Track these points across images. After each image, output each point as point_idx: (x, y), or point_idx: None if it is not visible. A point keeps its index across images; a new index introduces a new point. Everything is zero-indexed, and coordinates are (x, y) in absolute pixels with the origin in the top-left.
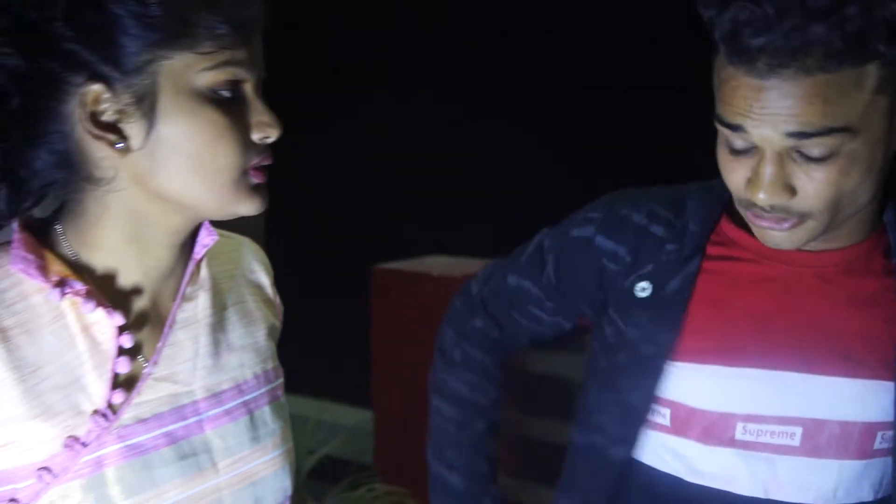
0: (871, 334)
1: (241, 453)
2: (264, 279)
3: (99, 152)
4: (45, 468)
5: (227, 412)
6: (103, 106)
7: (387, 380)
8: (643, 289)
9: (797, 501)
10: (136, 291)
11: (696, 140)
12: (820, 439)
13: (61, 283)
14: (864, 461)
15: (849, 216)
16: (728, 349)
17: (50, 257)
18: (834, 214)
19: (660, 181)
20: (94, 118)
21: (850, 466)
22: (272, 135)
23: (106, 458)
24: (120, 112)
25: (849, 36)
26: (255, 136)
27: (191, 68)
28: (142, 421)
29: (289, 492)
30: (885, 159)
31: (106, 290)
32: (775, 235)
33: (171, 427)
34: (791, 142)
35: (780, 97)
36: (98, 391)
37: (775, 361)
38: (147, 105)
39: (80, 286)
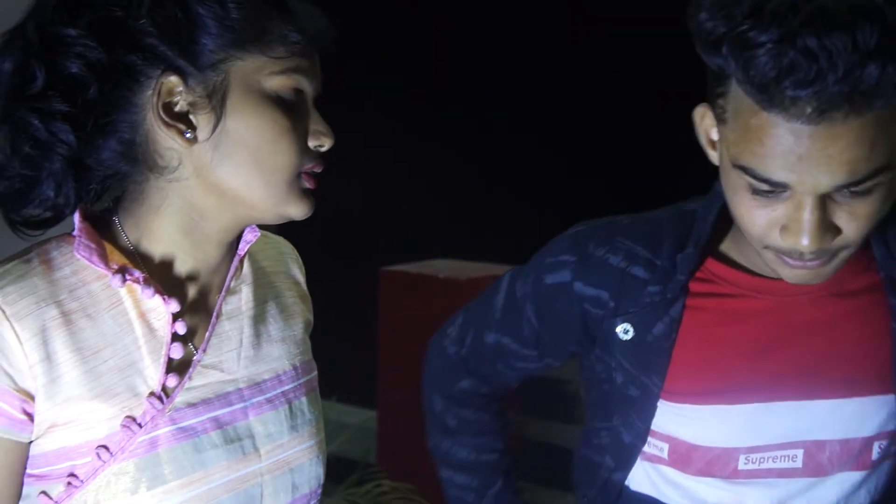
0: (865, 350)
1: (281, 440)
2: (300, 276)
3: (166, 142)
4: (103, 446)
5: (269, 400)
6: (177, 97)
7: (392, 380)
8: (626, 331)
9: None
10: (189, 281)
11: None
12: (821, 458)
13: (122, 271)
14: (864, 472)
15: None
16: (724, 388)
17: (109, 247)
18: (864, 241)
19: (663, 184)
20: (167, 108)
21: (851, 478)
22: (326, 144)
23: (159, 439)
24: (191, 104)
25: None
26: (311, 143)
27: (260, 71)
28: (192, 405)
29: (322, 480)
30: None
31: (161, 279)
32: (807, 276)
33: (218, 412)
34: (840, 190)
35: (829, 144)
36: (153, 375)
37: (774, 393)
38: (217, 100)
39: (139, 274)
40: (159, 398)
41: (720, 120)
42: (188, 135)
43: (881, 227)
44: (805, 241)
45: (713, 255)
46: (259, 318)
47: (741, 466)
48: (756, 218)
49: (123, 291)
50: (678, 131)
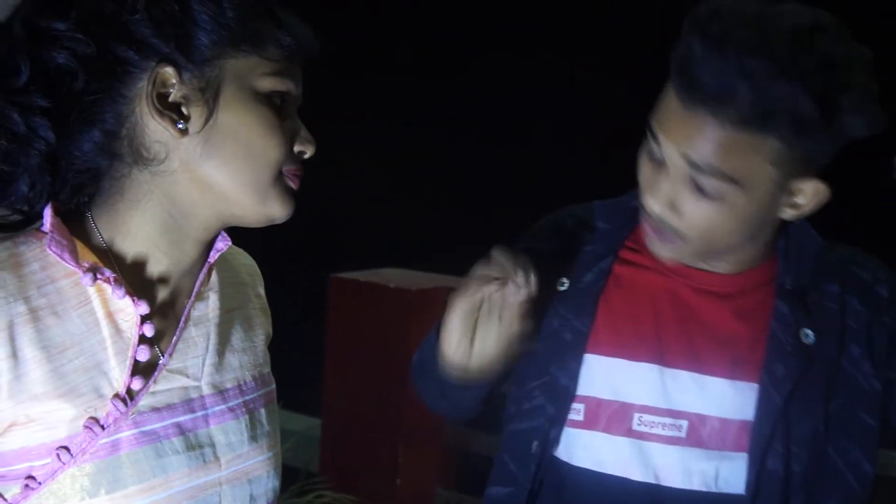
0: (751, 344)
1: (241, 451)
2: (261, 289)
3: (155, 134)
4: (63, 447)
5: (230, 409)
6: (171, 88)
7: (338, 388)
8: (562, 283)
9: (684, 487)
10: (161, 282)
11: None
12: (703, 432)
13: (93, 269)
14: (741, 454)
15: (723, 252)
16: (631, 344)
17: (79, 244)
18: (706, 247)
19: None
20: (161, 98)
21: (729, 458)
22: (309, 150)
23: (121, 443)
24: (185, 96)
25: (762, 107)
26: (296, 148)
27: (253, 70)
28: (156, 409)
29: (277, 493)
30: (769, 220)
31: (132, 279)
32: (655, 246)
33: (181, 418)
34: (689, 168)
35: (694, 128)
36: (118, 377)
37: (669, 359)
38: (210, 93)
39: (109, 273)
40: (123, 400)
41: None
42: (180, 125)
43: (786, 245)
44: (651, 201)
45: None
46: (224, 327)
47: (635, 426)
48: (641, 179)
49: (92, 290)
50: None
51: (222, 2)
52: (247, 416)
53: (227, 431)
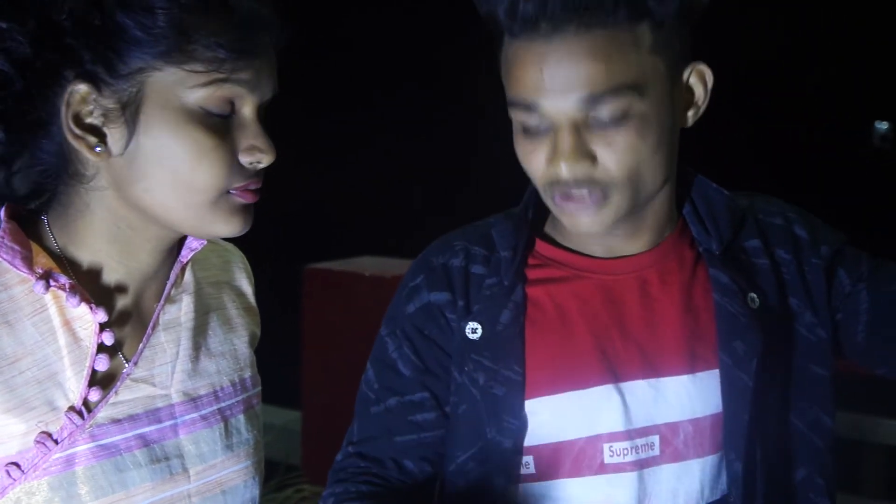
0: (698, 326)
1: (214, 461)
2: (246, 287)
3: (82, 151)
4: (14, 463)
5: (203, 418)
6: (88, 107)
7: (316, 380)
8: (473, 330)
9: None
10: (119, 290)
11: None
12: (676, 442)
13: (46, 276)
14: (720, 454)
15: (650, 196)
16: (575, 372)
17: (36, 248)
18: (636, 187)
19: None
20: (78, 118)
21: (710, 462)
22: (263, 161)
23: (77, 457)
24: (104, 115)
25: None
26: (245, 160)
27: (181, 83)
28: (116, 421)
29: (256, 501)
30: (674, 132)
31: (89, 286)
32: (583, 219)
33: (145, 429)
34: (584, 109)
35: (567, 60)
36: (74, 388)
37: (621, 372)
38: (130, 113)
39: (64, 280)
40: (79, 413)
41: (504, 79)
42: (98, 149)
43: (694, 207)
44: (563, 167)
45: (541, 238)
46: (199, 331)
47: (607, 460)
48: (531, 157)
49: (48, 298)
50: None
51: (150, 8)
52: (221, 425)
53: (197, 441)
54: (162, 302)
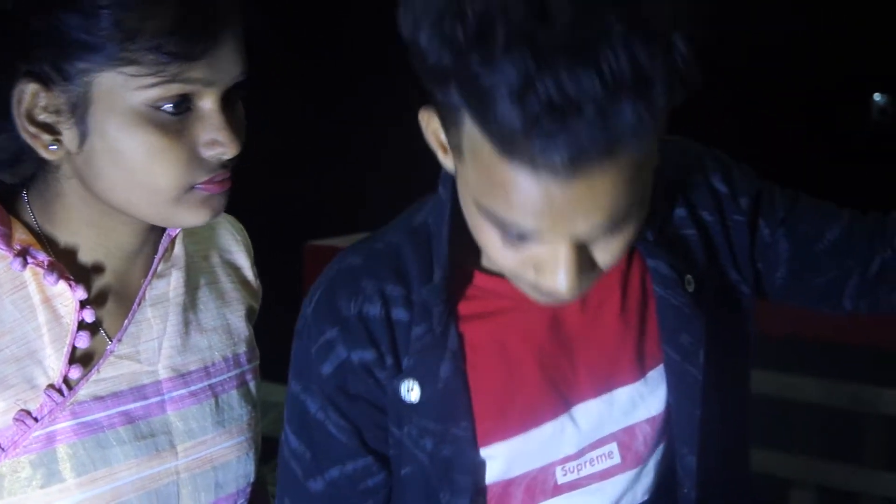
0: (642, 323)
1: (204, 437)
2: (243, 260)
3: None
4: None
5: (192, 394)
6: (40, 105)
7: None
8: (409, 389)
9: None
10: (100, 267)
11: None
12: (637, 446)
13: (23, 253)
14: (668, 445)
15: None
16: (525, 412)
17: (16, 224)
18: None
19: None
20: (31, 116)
21: (660, 452)
22: (226, 153)
23: (58, 435)
24: (56, 114)
25: (658, 108)
26: (206, 154)
27: (128, 84)
28: (98, 398)
29: (251, 478)
30: None
31: (69, 264)
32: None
33: (129, 406)
34: (595, 233)
35: (585, 192)
36: (54, 365)
37: (572, 398)
38: (80, 114)
39: (43, 257)
40: (59, 391)
41: (455, 150)
42: (52, 147)
43: None
44: (563, 287)
45: (475, 267)
46: (189, 305)
47: (560, 480)
48: (508, 258)
49: (28, 275)
50: None
51: (87, 12)
52: (212, 401)
53: (186, 417)
54: (149, 278)
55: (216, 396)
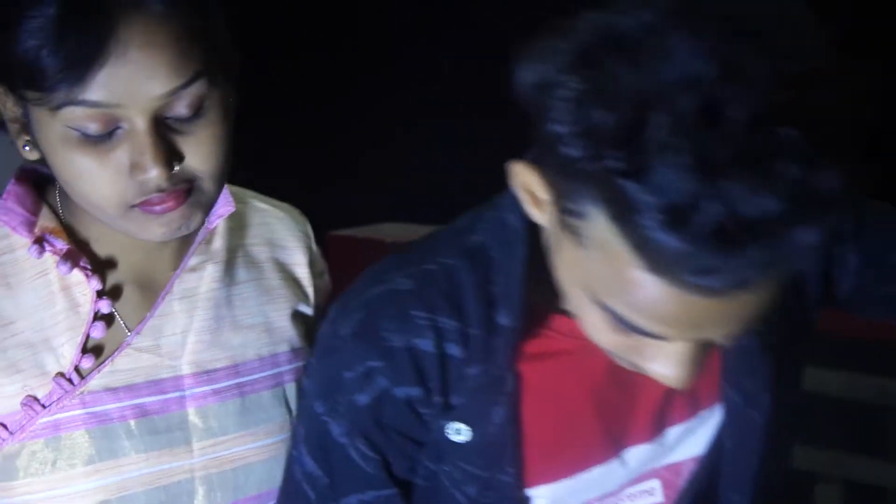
0: (706, 371)
1: (224, 437)
2: (298, 256)
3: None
4: (1, 424)
5: (216, 392)
6: (8, 109)
7: None
8: (458, 431)
9: None
10: (120, 259)
11: None
12: (679, 481)
13: (40, 241)
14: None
15: None
16: (577, 458)
17: (45, 212)
18: None
19: None
20: (9, 115)
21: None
22: (151, 180)
23: (65, 423)
24: (16, 121)
25: (832, 224)
26: (138, 178)
27: (45, 105)
28: (111, 390)
29: (279, 483)
30: None
31: (89, 253)
32: None
33: (144, 399)
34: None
35: (732, 309)
36: (67, 354)
37: (626, 442)
38: (28, 126)
39: (61, 245)
40: (69, 380)
41: (567, 228)
42: (26, 147)
43: None
44: (678, 381)
45: (547, 306)
46: (223, 301)
47: None
48: (612, 341)
49: (49, 262)
50: None
51: (6, 37)
52: (238, 400)
53: (206, 415)
54: (178, 272)
55: (243, 396)
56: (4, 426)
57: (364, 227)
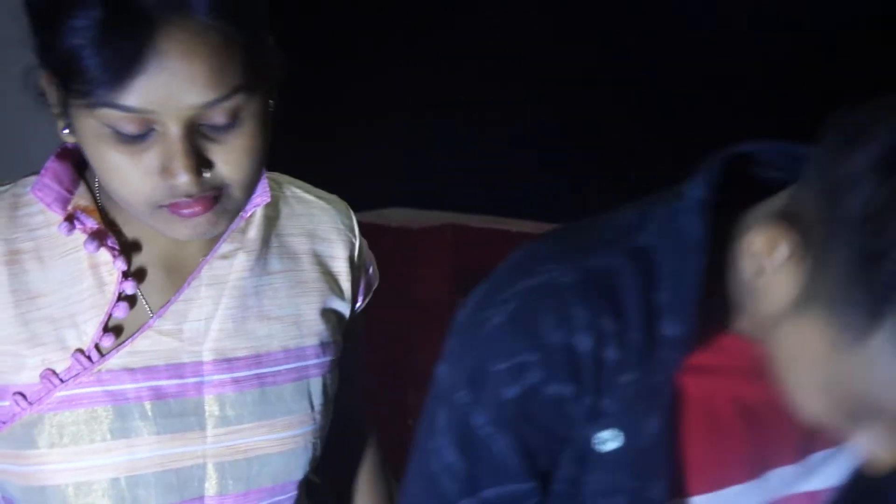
0: None
1: (239, 426)
2: (338, 250)
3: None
4: (20, 393)
5: (235, 381)
6: (52, 93)
7: None
8: (605, 442)
9: None
10: (148, 242)
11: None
12: None
13: (70, 218)
14: None
15: None
16: (720, 475)
17: (82, 190)
18: None
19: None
20: (49, 99)
21: None
22: (180, 185)
23: (81, 398)
24: (60, 105)
25: None
26: (169, 182)
27: (82, 102)
28: (129, 370)
29: (298, 476)
30: None
31: (120, 235)
32: None
33: (162, 382)
34: None
35: None
36: (89, 331)
37: (772, 463)
38: (68, 113)
39: (92, 223)
40: (88, 356)
41: (846, 336)
42: (65, 130)
43: None
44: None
45: (719, 323)
46: (252, 290)
47: None
48: (821, 411)
49: (81, 239)
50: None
51: (41, 25)
52: (258, 391)
53: (223, 403)
54: (209, 257)
55: (263, 387)
56: (24, 396)
57: (367, 212)
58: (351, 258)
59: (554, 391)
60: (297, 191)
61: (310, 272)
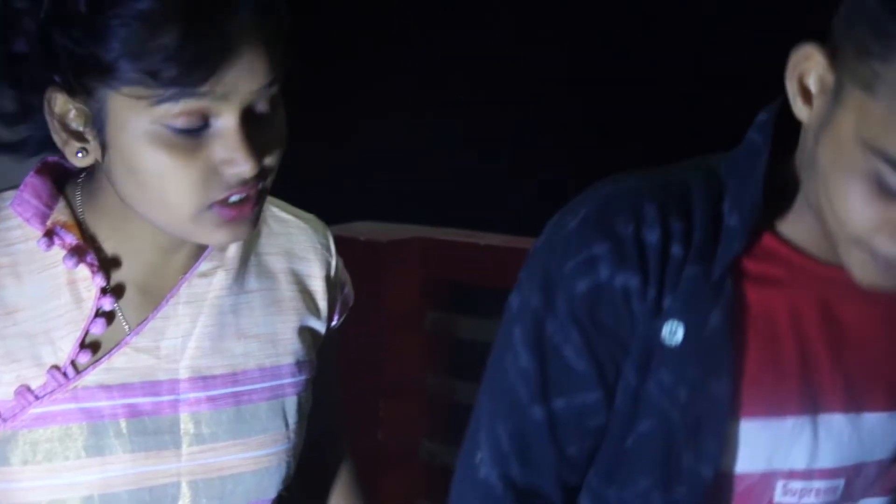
0: None
1: (215, 444)
2: (315, 269)
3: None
4: None
5: (211, 399)
6: (71, 114)
7: None
8: (673, 332)
9: None
10: (129, 259)
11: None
12: (857, 483)
13: (49, 234)
14: (883, 498)
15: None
16: (773, 398)
17: (61, 206)
18: None
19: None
20: (63, 123)
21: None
22: (244, 172)
23: (55, 415)
24: (83, 123)
25: None
26: (224, 172)
27: (139, 102)
28: (105, 387)
29: (271, 494)
30: None
31: (100, 251)
32: (888, 279)
33: (137, 399)
34: None
35: None
36: (65, 347)
37: (822, 403)
38: (100, 126)
39: (71, 239)
40: (64, 373)
41: (865, 86)
42: (79, 154)
43: None
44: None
45: (767, 227)
46: (230, 308)
47: (777, 498)
48: (865, 212)
49: (59, 255)
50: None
51: (100, 28)
52: (233, 409)
53: (198, 421)
54: (188, 275)
55: (238, 405)
56: None
57: (336, 226)
58: (328, 277)
59: (621, 282)
60: (276, 210)
61: (287, 290)
